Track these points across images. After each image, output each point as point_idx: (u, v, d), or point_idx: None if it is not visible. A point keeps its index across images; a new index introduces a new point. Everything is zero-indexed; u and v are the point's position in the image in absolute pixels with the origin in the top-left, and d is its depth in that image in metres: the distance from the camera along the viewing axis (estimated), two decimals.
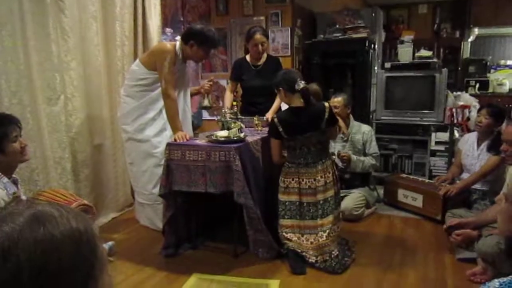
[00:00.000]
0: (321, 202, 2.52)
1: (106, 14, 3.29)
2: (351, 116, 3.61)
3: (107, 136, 3.35)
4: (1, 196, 1.79)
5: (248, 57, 3.44)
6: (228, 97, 3.44)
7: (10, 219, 0.54)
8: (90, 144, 3.19)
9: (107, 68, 3.34)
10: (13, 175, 2.00)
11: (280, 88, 2.61)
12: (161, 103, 2.82)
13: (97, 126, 3.26)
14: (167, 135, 2.84)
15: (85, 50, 3.10)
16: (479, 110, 3.14)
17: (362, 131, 3.57)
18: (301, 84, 2.54)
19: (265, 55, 3.42)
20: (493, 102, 4.23)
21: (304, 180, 2.53)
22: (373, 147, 3.56)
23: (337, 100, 3.50)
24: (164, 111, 2.81)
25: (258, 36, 3.25)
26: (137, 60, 2.92)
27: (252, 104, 3.40)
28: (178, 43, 2.81)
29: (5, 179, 1.88)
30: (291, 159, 2.58)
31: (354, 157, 3.43)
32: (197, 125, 3.72)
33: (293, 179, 2.56)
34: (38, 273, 0.51)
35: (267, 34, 3.39)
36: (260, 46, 3.28)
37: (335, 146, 3.58)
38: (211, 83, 3.09)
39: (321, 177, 2.52)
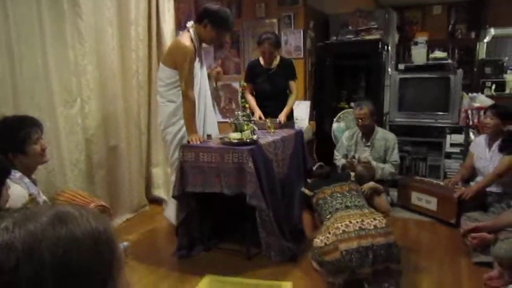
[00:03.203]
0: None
1: (121, 19, 3.35)
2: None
3: (122, 138, 3.40)
4: (23, 194, 1.83)
5: (261, 60, 3.47)
6: (252, 100, 3.47)
7: (34, 218, 0.56)
8: (105, 146, 3.24)
9: (122, 72, 3.40)
10: (32, 176, 2.05)
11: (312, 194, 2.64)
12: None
13: (112, 128, 3.31)
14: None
15: (100, 54, 3.16)
16: (484, 112, 3.11)
17: (386, 138, 3.57)
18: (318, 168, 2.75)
19: (278, 58, 3.45)
20: (511, 103, 4.16)
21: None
22: (394, 155, 3.55)
23: (363, 112, 3.48)
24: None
25: (267, 45, 3.30)
26: (160, 64, 2.92)
27: (263, 106, 3.43)
28: (192, 30, 2.75)
29: (27, 179, 1.93)
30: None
31: (374, 163, 3.42)
32: None
33: None
34: (60, 270, 0.53)
35: (278, 42, 3.42)
36: (267, 55, 3.31)
37: (357, 150, 3.58)
38: (219, 69, 3.08)
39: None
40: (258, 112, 3.33)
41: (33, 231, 0.54)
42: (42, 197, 2.01)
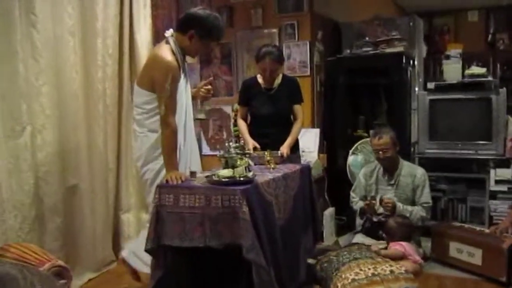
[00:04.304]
0: None
1: (86, 28, 3.40)
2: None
3: (84, 176, 3.39)
4: None
5: (259, 78, 3.52)
6: (243, 126, 3.51)
7: None
8: (62, 186, 3.22)
9: (86, 93, 3.43)
10: None
11: None
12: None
13: (72, 163, 3.30)
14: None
15: (60, 71, 3.19)
16: None
17: (414, 174, 3.57)
18: None
19: (280, 76, 3.49)
20: None
21: None
22: (425, 195, 3.54)
23: (383, 142, 3.51)
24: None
25: (268, 60, 3.32)
26: (135, 87, 2.91)
27: (261, 135, 3.42)
28: (172, 40, 2.75)
29: None
30: None
31: (400, 205, 3.40)
32: None
33: None
34: None
35: (281, 57, 3.47)
36: (268, 73, 3.36)
37: (379, 190, 3.56)
38: (209, 87, 3.09)
39: None
40: (251, 142, 3.32)
41: None
42: None
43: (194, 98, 3.12)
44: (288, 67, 4.51)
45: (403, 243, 3.21)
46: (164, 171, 2.75)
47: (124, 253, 3.12)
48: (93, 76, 3.47)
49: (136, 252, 2.97)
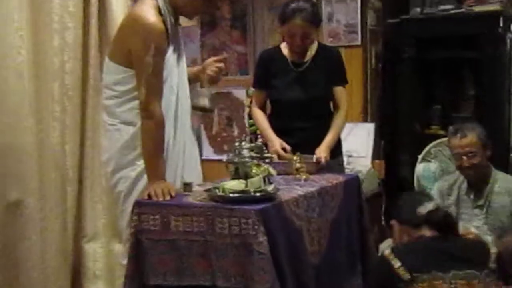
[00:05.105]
0: None
1: None
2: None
3: (31, 189, 3.41)
4: None
5: (284, 48, 3.51)
6: (260, 116, 3.51)
7: None
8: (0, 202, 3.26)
9: (35, 70, 3.44)
10: None
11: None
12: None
13: (13, 171, 3.33)
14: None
15: None
16: None
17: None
18: (428, 206, 2.62)
19: (314, 45, 3.48)
20: None
21: None
22: None
23: (468, 143, 3.44)
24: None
25: (298, 21, 3.30)
26: (106, 60, 2.94)
27: (287, 132, 3.41)
28: None
29: None
30: None
31: (490, 239, 3.35)
32: None
33: None
34: None
35: (317, 18, 3.47)
36: (298, 38, 3.35)
37: (461, 214, 3.52)
38: (221, 65, 3.10)
39: None
40: (277, 142, 3.32)
41: None
42: None
43: (194, 79, 3.15)
44: (329, 32, 4.51)
45: None
46: (144, 181, 2.77)
47: None
48: (46, 44, 3.50)
49: None
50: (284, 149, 3.26)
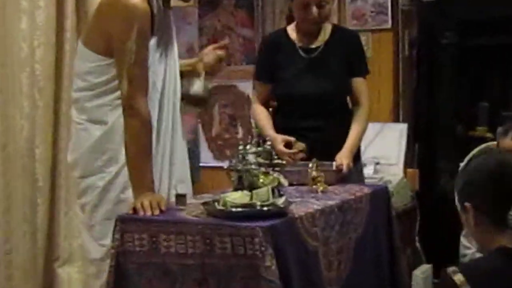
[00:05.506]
0: None
1: None
2: None
3: None
4: None
5: (291, 31, 3.52)
6: (261, 113, 3.52)
7: None
8: None
9: (0, 57, 3.48)
10: None
11: (468, 205, 2.62)
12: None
13: None
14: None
15: None
16: None
17: None
18: None
19: (328, 28, 3.49)
20: None
21: None
22: None
23: None
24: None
25: None
26: (79, 45, 2.96)
27: (296, 132, 3.39)
28: None
29: None
30: None
31: None
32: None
33: None
34: None
35: None
36: (314, 9, 3.33)
37: None
38: (222, 53, 3.11)
39: None
40: (279, 138, 3.30)
41: None
42: None
43: (189, 73, 3.15)
44: (353, 13, 4.51)
45: None
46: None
47: None
48: (12, 26, 3.52)
49: None
50: (287, 144, 3.25)
